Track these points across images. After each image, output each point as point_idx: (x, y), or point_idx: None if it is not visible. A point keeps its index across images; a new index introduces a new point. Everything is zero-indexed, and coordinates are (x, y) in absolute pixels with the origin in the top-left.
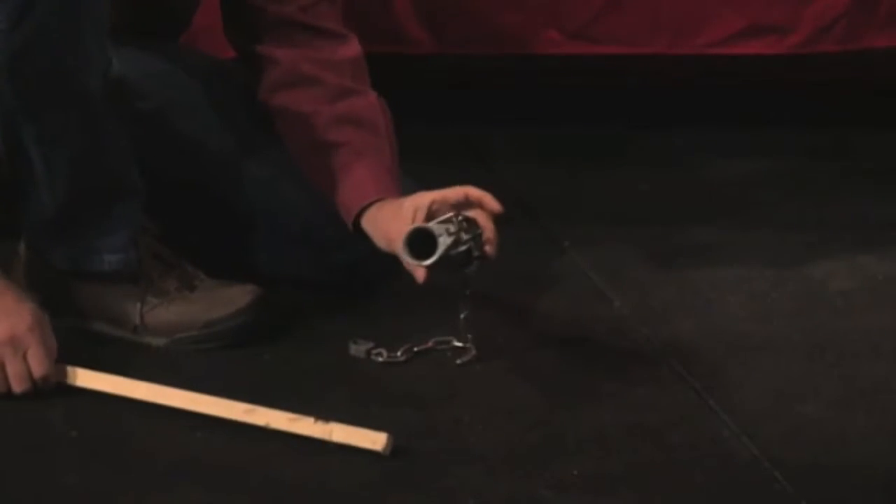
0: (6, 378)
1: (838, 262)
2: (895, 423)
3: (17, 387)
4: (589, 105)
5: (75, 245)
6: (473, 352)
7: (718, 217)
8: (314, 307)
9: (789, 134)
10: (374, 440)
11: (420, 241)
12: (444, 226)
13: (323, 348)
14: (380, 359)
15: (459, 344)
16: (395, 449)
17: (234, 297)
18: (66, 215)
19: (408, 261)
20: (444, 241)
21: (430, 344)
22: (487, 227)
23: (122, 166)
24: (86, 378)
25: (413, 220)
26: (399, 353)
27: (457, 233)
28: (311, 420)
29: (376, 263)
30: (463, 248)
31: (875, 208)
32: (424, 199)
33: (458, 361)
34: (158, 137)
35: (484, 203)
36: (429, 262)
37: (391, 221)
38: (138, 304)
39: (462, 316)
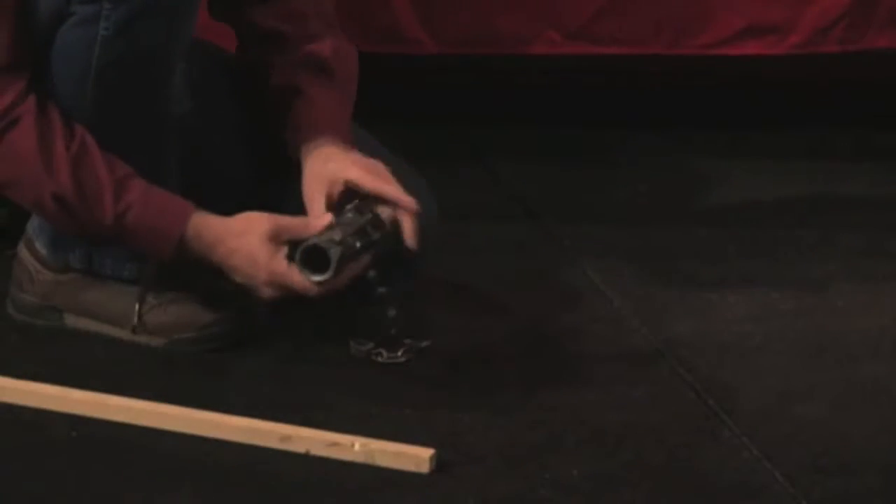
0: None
1: (838, 262)
2: (895, 423)
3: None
4: (589, 105)
5: (98, 249)
6: (402, 359)
7: (718, 217)
8: (314, 307)
9: (789, 134)
10: (417, 463)
11: (314, 256)
12: (330, 234)
13: (323, 348)
14: (379, 359)
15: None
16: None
17: (233, 298)
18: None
19: (306, 277)
20: (335, 254)
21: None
22: (406, 225)
23: (171, 182)
24: (95, 408)
25: (326, 194)
26: (399, 353)
27: (343, 239)
28: (351, 444)
29: (395, 265)
30: (361, 250)
31: (875, 208)
32: (342, 175)
33: (380, 360)
34: (184, 141)
35: (400, 204)
36: (323, 277)
37: (313, 168)
38: (137, 305)
39: (393, 331)
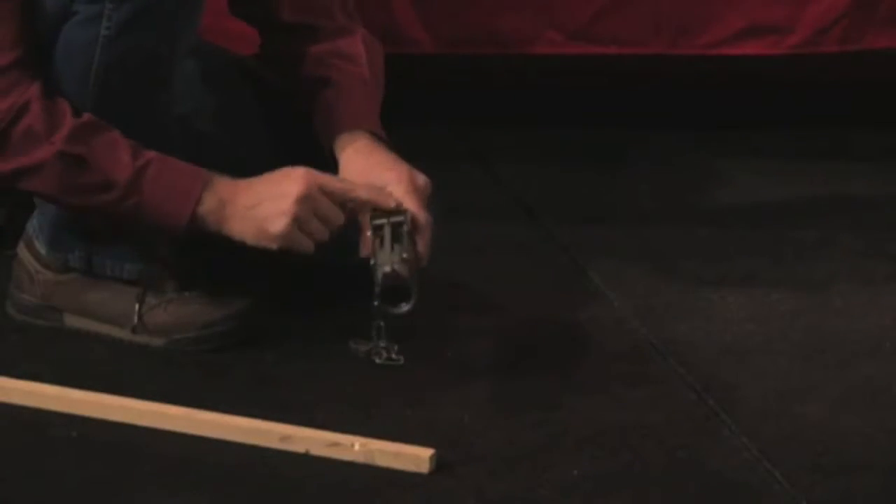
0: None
1: (838, 262)
2: (895, 423)
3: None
4: (589, 105)
5: (98, 250)
6: (400, 361)
7: (718, 217)
8: (314, 307)
9: (789, 134)
10: (417, 463)
11: (391, 291)
12: (396, 254)
13: (323, 348)
14: (378, 359)
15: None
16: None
17: (233, 298)
18: (101, 223)
19: (391, 312)
20: (410, 281)
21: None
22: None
23: None
24: (101, 408)
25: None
26: (397, 354)
27: (401, 256)
28: (351, 444)
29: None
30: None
31: (875, 208)
32: (365, 197)
33: (378, 361)
34: (185, 143)
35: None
36: (409, 306)
37: (349, 167)
38: (137, 305)
39: (380, 324)
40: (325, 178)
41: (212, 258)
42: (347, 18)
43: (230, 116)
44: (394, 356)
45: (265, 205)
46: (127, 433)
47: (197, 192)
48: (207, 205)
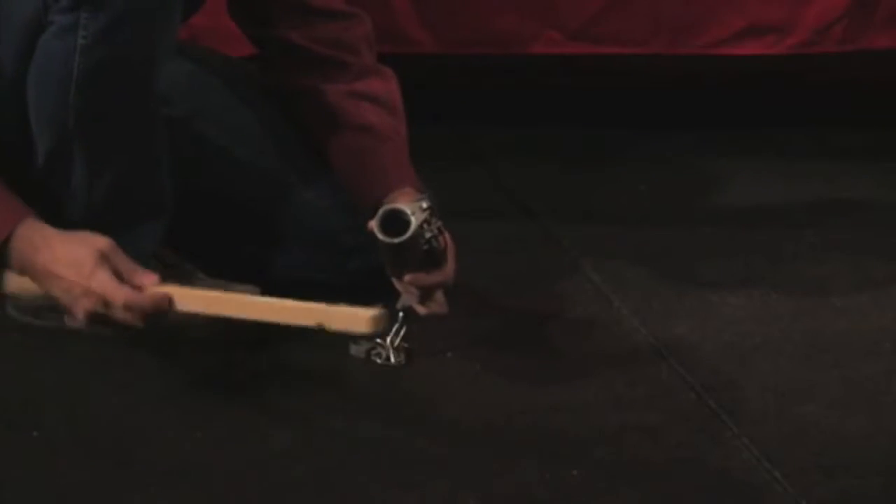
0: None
1: (838, 262)
2: (895, 423)
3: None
4: (589, 105)
5: None
6: (402, 360)
7: (718, 217)
8: None
9: (789, 134)
10: (361, 322)
11: (392, 222)
12: (416, 205)
13: (323, 348)
14: (379, 360)
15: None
16: (395, 449)
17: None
18: (95, 224)
19: (383, 239)
20: (415, 220)
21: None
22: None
23: (162, 185)
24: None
25: None
26: (399, 355)
27: (427, 215)
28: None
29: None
30: (429, 234)
31: (875, 208)
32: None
33: (379, 361)
34: (184, 144)
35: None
36: (401, 239)
37: None
38: None
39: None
40: (114, 292)
41: (210, 259)
42: (372, 56)
43: (229, 118)
44: (394, 359)
45: (63, 280)
46: (127, 433)
47: (4, 231)
48: (15, 249)
